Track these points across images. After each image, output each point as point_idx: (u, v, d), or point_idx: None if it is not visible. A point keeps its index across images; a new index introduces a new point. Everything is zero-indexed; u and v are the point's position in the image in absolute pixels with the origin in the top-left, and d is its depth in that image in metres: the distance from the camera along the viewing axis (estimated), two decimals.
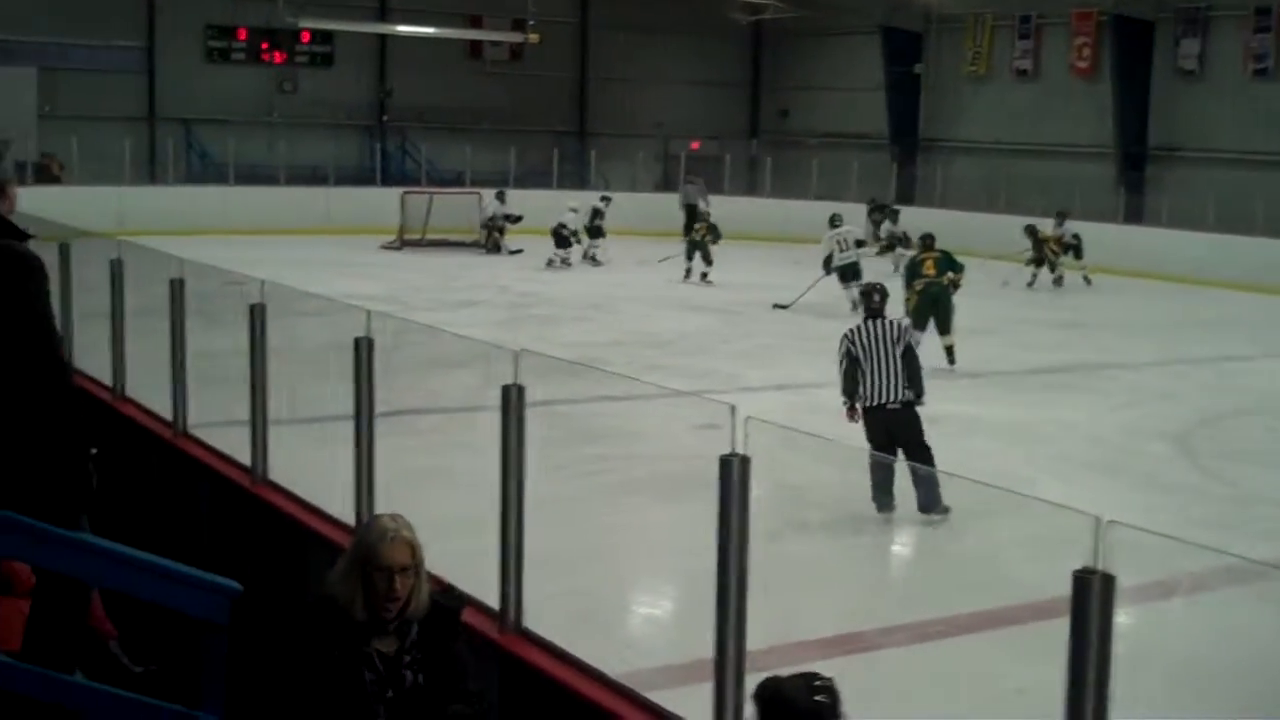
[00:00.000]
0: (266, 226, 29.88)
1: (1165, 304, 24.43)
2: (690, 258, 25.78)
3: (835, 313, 21.76)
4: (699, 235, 26.12)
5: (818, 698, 3.52)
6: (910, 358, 10.06)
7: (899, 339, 10.04)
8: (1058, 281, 26.06)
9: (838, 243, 22.39)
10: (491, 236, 29.92)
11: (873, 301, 10.49)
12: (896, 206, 31.68)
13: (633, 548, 8.92)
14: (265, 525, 7.00)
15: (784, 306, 21.80)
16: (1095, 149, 33.33)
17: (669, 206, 34.14)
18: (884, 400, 9.90)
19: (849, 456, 8.48)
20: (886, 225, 29.52)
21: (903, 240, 27.05)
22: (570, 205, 27.74)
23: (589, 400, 11.79)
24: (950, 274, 16.82)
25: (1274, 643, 7.42)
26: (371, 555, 4.01)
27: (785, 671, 3.64)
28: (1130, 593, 6.71)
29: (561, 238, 27.23)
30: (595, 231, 28.35)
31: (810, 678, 3.59)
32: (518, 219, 29.78)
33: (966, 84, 37.35)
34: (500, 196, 30.23)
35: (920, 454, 9.85)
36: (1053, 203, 28.75)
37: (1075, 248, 26.45)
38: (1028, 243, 25.85)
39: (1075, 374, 17.14)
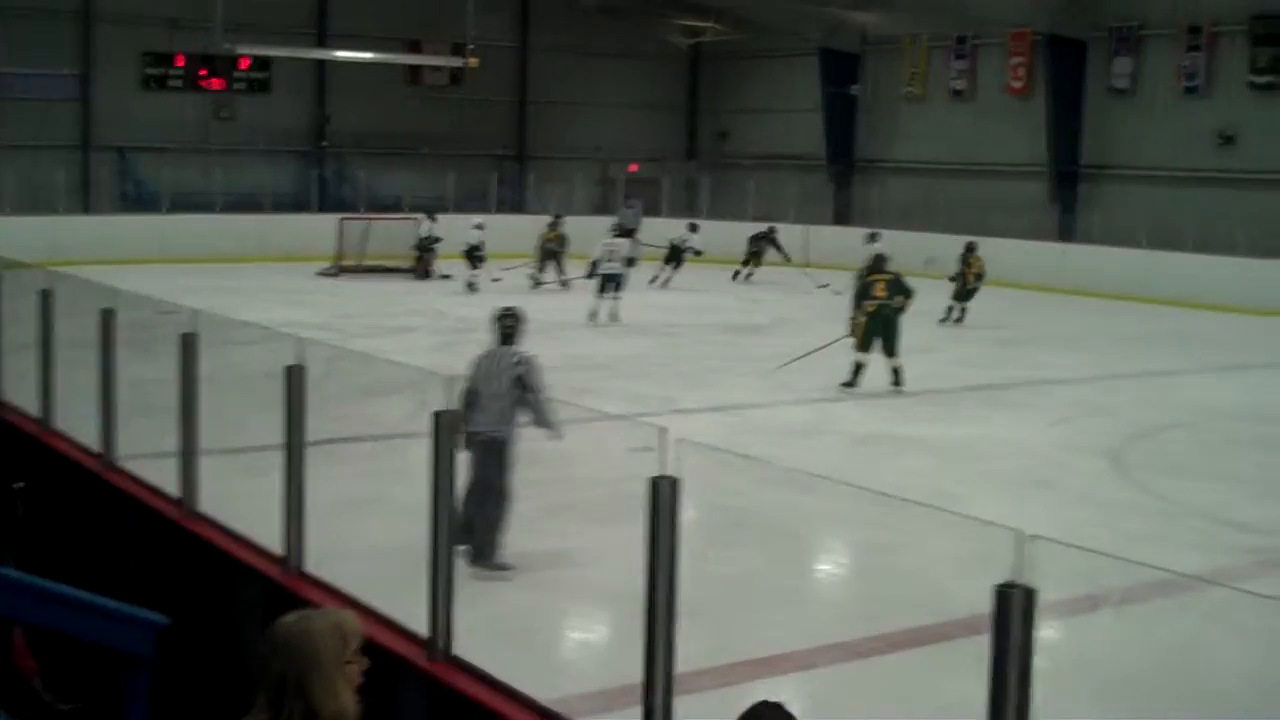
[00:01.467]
0: (202, 254, 29.74)
1: (1097, 320, 24.68)
2: (542, 268, 27.03)
3: (769, 331, 21.92)
4: (552, 244, 27.20)
5: None
6: (527, 392, 8.96)
7: (513, 367, 9.01)
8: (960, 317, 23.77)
9: (607, 250, 23.13)
10: (422, 260, 29.60)
11: (504, 325, 9.46)
12: (772, 228, 31.77)
13: (566, 572, 8.92)
14: (195, 557, 6.94)
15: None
16: (1030, 167, 33.67)
17: (604, 228, 34.24)
18: (479, 429, 8.86)
19: (781, 477, 8.52)
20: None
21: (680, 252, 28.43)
22: (475, 223, 27.61)
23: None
24: (900, 297, 16.89)
25: (1202, 653, 7.51)
26: (353, 640, 3.40)
27: (744, 701, 3.64)
28: (1060, 606, 6.81)
29: (476, 258, 27.02)
30: (550, 255, 28.44)
31: (776, 706, 3.57)
32: (438, 240, 29.58)
33: (903, 105, 37.64)
34: (432, 216, 30.05)
35: (493, 500, 8.83)
36: (989, 222, 29.05)
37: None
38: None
39: (1009, 391, 17.30)
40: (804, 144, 39.14)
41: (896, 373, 16.58)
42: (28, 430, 8.98)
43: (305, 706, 3.29)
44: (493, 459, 8.83)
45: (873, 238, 23.93)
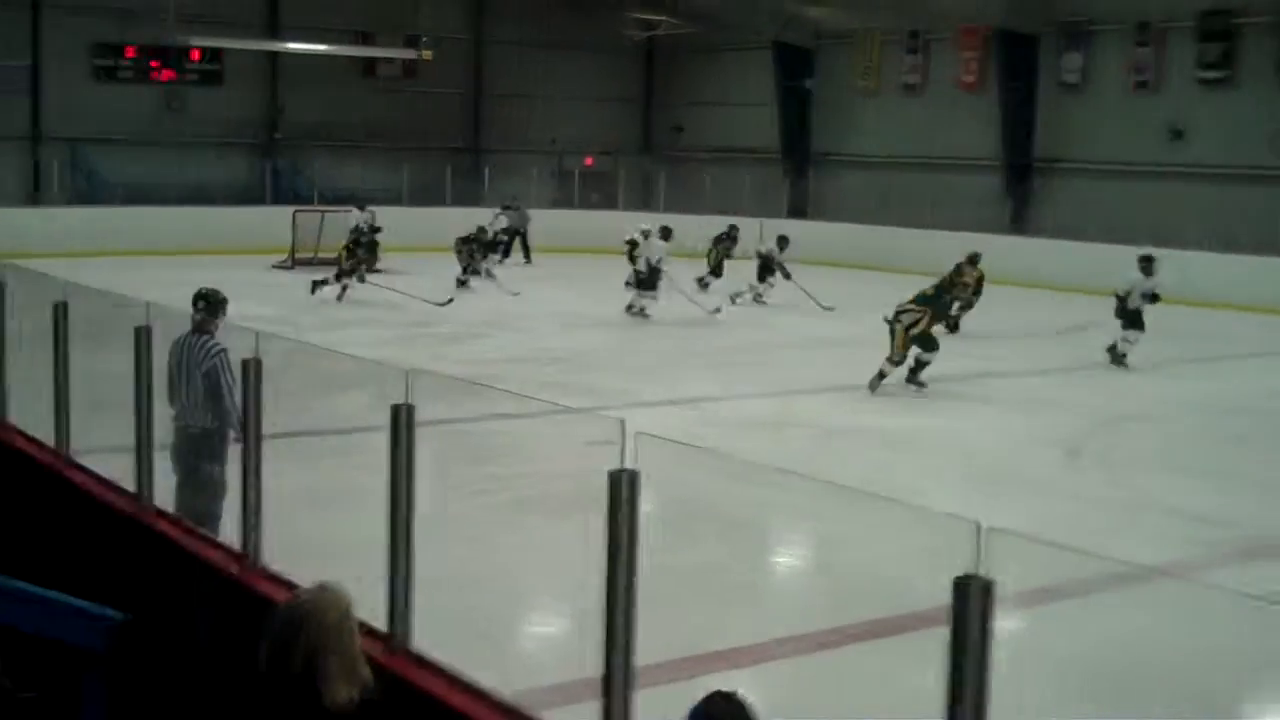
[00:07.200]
0: (155, 248, 29.47)
1: (1051, 312, 24.82)
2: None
3: (724, 324, 21.95)
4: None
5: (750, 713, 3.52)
6: (214, 383, 8.63)
7: (201, 361, 8.71)
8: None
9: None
10: (354, 254, 25.19)
11: (195, 310, 8.95)
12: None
13: (525, 566, 8.90)
14: (152, 553, 6.88)
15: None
16: (982, 161, 33.86)
17: (562, 222, 34.19)
18: (185, 421, 8.78)
19: (739, 469, 8.52)
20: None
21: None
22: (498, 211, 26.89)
23: (482, 419, 11.75)
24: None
25: (1160, 644, 7.57)
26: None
27: (696, 692, 3.63)
28: (1019, 598, 6.85)
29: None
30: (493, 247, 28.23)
31: (728, 696, 3.56)
32: (377, 230, 27.20)
33: (857, 98, 37.79)
34: (362, 207, 28.27)
35: (205, 487, 8.63)
36: (942, 216, 29.11)
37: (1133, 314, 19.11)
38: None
39: (965, 383, 17.38)
40: (759, 137, 39.23)
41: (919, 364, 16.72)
42: None
43: (344, 673, 3.59)
44: (201, 450, 8.62)
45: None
